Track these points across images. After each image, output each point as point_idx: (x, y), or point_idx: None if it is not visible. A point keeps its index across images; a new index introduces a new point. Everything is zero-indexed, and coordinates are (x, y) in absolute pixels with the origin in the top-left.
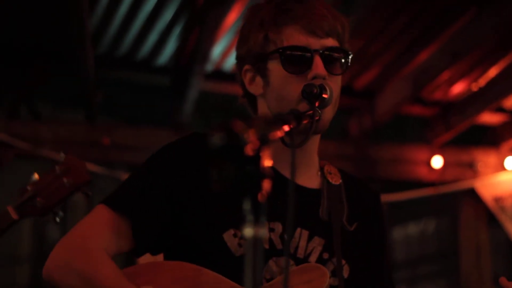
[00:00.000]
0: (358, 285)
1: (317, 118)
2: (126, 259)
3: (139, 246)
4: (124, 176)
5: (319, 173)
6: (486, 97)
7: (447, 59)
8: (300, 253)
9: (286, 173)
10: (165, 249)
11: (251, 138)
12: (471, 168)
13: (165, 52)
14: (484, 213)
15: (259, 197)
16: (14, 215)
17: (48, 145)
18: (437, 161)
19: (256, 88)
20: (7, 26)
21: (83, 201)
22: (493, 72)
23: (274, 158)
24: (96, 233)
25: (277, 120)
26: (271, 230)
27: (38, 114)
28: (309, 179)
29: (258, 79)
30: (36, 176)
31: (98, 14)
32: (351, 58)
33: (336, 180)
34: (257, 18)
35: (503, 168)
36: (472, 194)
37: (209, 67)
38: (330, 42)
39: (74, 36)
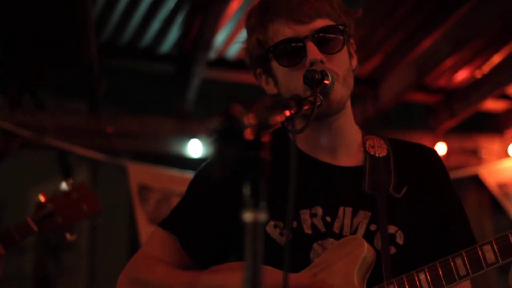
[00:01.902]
0: (417, 249)
1: (318, 103)
2: None
3: (194, 259)
4: (128, 164)
5: (362, 148)
6: (490, 84)
7: (450, 46)
8: (346, 231)
9: (322, 157)
10: (225, 259)
11: (250, 123)
12: (475, 155)
13: (168, 40)
14: (488, 199)
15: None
16: (34, 227)
17: (52, 134)
18: (441, 148)
19: (271, 88)
20: (11, 16)
21: None
22: (496, 59)
23: (307, 143)
24: (151, 250)
25: (278, 105)
26: (313, 215)
27: (41, 103)
28: (350, 157)
29: (270, 80)
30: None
31: (101, 2)
32: (348, 28)
33: (380, 152)
34: (248, 24)
35: (507, 155)
36: (476, 181)
37: (212, 55)
38: (320, 23)
39: (77, 25)
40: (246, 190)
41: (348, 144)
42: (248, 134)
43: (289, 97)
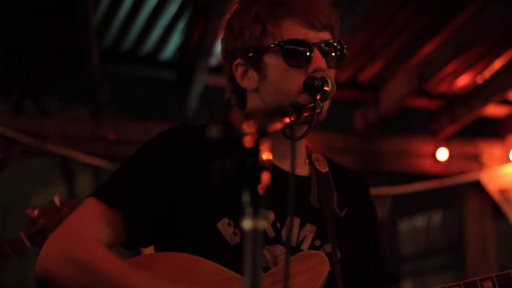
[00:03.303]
0: (349, 271)
1: (318, 110)
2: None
3: (130, 239)
4: None
5: (307, 160)
6: (491, 89)
7: (451, 52)
8: (293, 241)
9: (276, 161)
10: (157, 241)
11: (249, 130)
12: (476, 160)
13: (169, 46)
14: (490, 205)
15: (259, 189)
16: (27, 243)
17: (54, 141)
18: (442, 154)
19: (249, 82)
20: (13, 21)
21: None
22: (498, 64)
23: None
24: (88, 223)
25: (277, 112)
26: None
27: (43, 109)
28: (299, 166)
29: (252, 73)
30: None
31: (103, 9)
32: (346, 52)
33: (323, 167)
34: (251, 11)
35: (508, 160)
36: (478, 186)
37: (213, 61)
38: (327, 35)
39: (79, 31)
40: (245, 198)
41: (300, 153)
42: (247, 142)
43: (289, 104)
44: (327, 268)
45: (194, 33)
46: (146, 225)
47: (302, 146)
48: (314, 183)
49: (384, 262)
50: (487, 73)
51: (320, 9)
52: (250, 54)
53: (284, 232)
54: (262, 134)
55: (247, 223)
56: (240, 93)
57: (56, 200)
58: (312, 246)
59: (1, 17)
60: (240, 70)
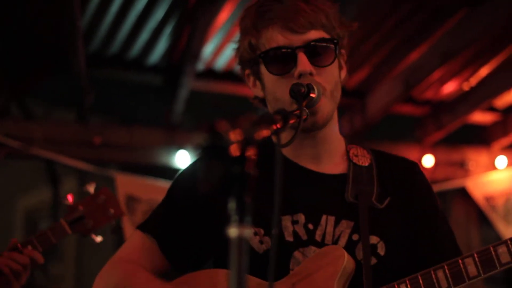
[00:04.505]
0: (398, 260)
1: (304, 117)
2: None
3: (172, 262)
4: (116, 174)
5: (345, 157)
6: (477, 96)
7: (438, 59)
8: (328, 240)
9: (306, 164)
10: (202, 264)
11: (236, 138)
12: (462, 167)
13: (156, 51)
14: (475, 212)
15: (245, 197)
16: (68, 230)
17: (40, 144)
18: (428, 160)
19: (257, 91)
20: None
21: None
22: (484, 71)
23: (292, 149)
24: (130, 252)
25: (264, 120)
26: (295, 222)
27: (29, 113)
28: (333, 165)
29: (257, 83)
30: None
31: (90, 13)
32: (340, 45)
33: (364, 161)
34: (242, 25)
35: (494, 167)
36: (463, 193)
37: (200, 66)
38: (314, 34)
39: (65, 35)
40: (231, 206)
41: (332, 152)
42: (234, 150)
43: (275, 111)
44: (343, 261)
45: (181, 38)
46: (181, 249)
47: (336, 144)
48: (350, 179)
49: (444, 241)
50: (473, 80)
51: (301, 10)
52: (250, 66)
53: (318, 233)
54: (248, 142)
55: (232, 231)
56: (261, 100)
57: (91, 188)
58: (349, 241)
59: None
60: (251, 79)
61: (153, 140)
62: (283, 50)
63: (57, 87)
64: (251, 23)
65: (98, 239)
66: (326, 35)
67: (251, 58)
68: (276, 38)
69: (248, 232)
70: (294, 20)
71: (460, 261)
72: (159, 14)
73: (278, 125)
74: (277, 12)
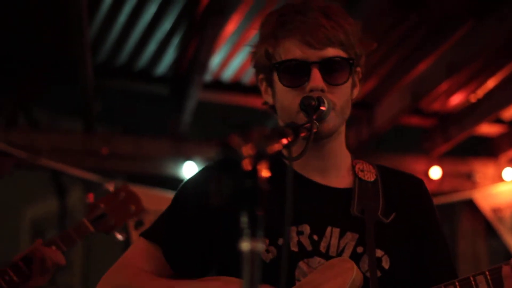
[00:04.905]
0: (401, 275)
1: (315, 130)
2: None
3: (176, 271)
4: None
5: (351, 172)
6: (484, 108)
7: (445, 70)
8: (333, 251)
9: (312, 176)
10: (205, 273)
11: (248, 153)
12: (469, 179)
13: (164, 61)
14: (482, 223)
15: (257, 210)
16: (91, 228)
17: (46, 155)
18: (435, 172)
19: (268, 97)
20: (6, 34)
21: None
22: (491, 83)
23: (300, 163)
24: (134, 258)
25: (275, 134)
26: (300, 233)
27: (36, 123)
28: (339, 179)
29: (269, 89)
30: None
31: (97, 23)
32: (356, 64)
33: (369, 176)
34: (262, 31)
35: (501, 179)
36: (471, 205)
37: (208, 77)
38: (330, 52)
39: (73, 45)
40: (244, 219)
41: (338, 166)
42: (246, 165)
43: (285, 124)
44: (353, 273)
45: (188, 49)
46: (186, 257)
47: (342, 158)
48: (356, 193)
49: (444, 261)
50: (481, 92)
51: (321, 26)
52: (263, 72)
53: (323, 244)
54: (260, 156)
55: (245, 245)
56: (271, 106)
57: (111, 187)
58: (354, 253)
59: None
60: (263, 85)
61: (160, 150)
62: (298, 63)
63: (63, 97)
64: (270, 31)
65: (121, 236)
66: (343, 53)
67: (266, 65)
68: (293, 50)
69: (261, 246)
70: (313, 35)
71: (471, 278)
72: (166, 25)
73: (289, 139)
74: (297, 24)
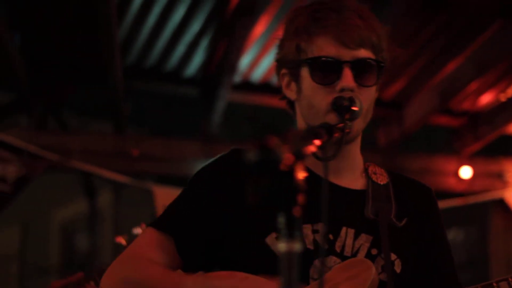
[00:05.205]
0: (411, 279)
1: (347, 130)
2: None
3: (187, 263)
4: (152, 186)
5: (364, 174)
6: None
7: (474, 70)
8: (348, 251)
9: (331, 178)
10: (215, 266)
11: (285, 154)
12: (500, 178)
13: (193, 63)
14: None
15: (294, 211)
16: None
17: (77, 157)
18: (466, 172)
19: (291, 93)
20: (35, 38)
21: (110, 211)
22: None
23: (314, 161)
24: (144, 251)
25: (310, 134)
26: (315, 231)
27: (65, 125)
28: (353, 180)
29: (293, 85)
30: None
31: (127, 26)
32: (384, 69)
33: (382, 179)
34: (292, 25)
35: None
36: (501, 204)
37: (237, 78)
38: (363, 53)
39: (103, 47)
40: (281, 220)
41: (354, 167)
42: (284, 165)
43: (319, 124)
44: (372, 274)
45: (217, 50)
46: (198, 249)
47: (357, 160)
48: (370, 195)
49: (449, 271)
50: (510, 91)
51: (355, 26)
52: (290, 66)
53: (338, 244)
54: (298, 156)
55: (282, 246)
56: (289, 102)
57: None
58: (368, 255)
59: (24, 33)
60: (285, 79)
61: (189, 152)
62: (331, 61)
63: (93, 99)
64: (303, 26)
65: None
66: (373, 56)
67: (295, 60)
68: (326, 47)
69: (298, 246)
70: (348, 34)
71: (495, 284)
72: (195, 26)
73: (323, 139)
74: (333, 22)
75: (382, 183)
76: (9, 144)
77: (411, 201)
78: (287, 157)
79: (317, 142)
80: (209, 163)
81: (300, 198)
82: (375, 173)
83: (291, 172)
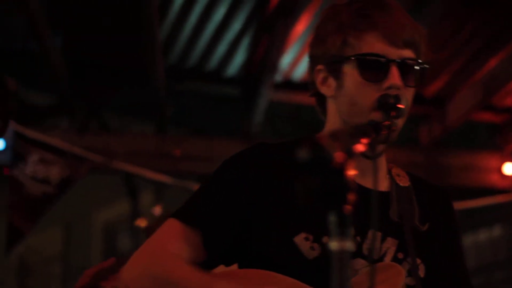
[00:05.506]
0: (434, 284)
1: (394, 128)
2: None
3: (211, 258)
4: (195, 186)
5: (388, 175)
6: None
7: None
8: (375, 254)
9: (356, 178)
10: (238, 260)
11: (337, 151)
12: None
13: (234, 62)
14: None
15: (345, 209)
16: None
17: (120, 157)
18: (509, 168)
19: (328, 89)
20: (76, 39)
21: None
22: None
23: None
24: (168, 242)
25: (358, 132)
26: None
27: (107, 126)
28: (378, 181)
29: (331, 81)
30: None
31: (168, 26)
32: (426, 71)
33: (404, 182)
34: (336, 20)
35: None
36: None
37: (278, 77)
38: (408, 53)
39: (144, 48)
40: (332, 218)
41: (380, 168)
42: (335, 163)
43: (367, 122)
44: (403, 279)
45: (258, 49)
46: (225, 243)
47: (381, 161)
48: (394, 197)
49: (464, 276)
50: None
51: (404, 25)
52: (331, 62)
53: (365, 246)
54: (349, 154)
55: (334, 244)
56: (321, 98)
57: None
58: (395, 259)
59: (65, 35)
60: (320, 76)
61: (232, 151)
62: (380, 58)
63: (134, 100)
64: (349, 22)
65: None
66: (415, 57)
67: (338, 55)
68: (376, 44)
69: (350, 245)
70: (397, 33)
71: None
72: (236, 26)
73: (371, 137)
74: (381, 19)
75: (405, 185)
76: (52, 146)
77: (431, 204)
78: (338, 155)
79: (365, 140)
80: (235, 156)
81: (351, 196)
82: (398, 175)
83: (342, 170)
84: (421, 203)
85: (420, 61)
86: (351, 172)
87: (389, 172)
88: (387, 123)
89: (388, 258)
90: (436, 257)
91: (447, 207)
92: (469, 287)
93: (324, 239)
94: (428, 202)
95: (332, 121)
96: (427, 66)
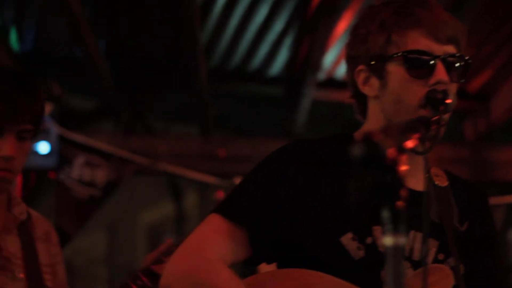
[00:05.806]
0: (473, 284)
1: (443, 123)
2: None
3: (256, 255)
4: None
5: (426, 175)
6: None
7: None
8: (416, 256)
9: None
10: (280, 258)
11: (390, 148)
12: None
13: (277, 62)
14: None
15: (398, 205)
16: None
17: (165, 159)
18: None
19: (370, 89)
20: (120, 43)
21: (196, 213)
22: None
23: None
24: (213, 242)
25: (408, 128)
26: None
27: (151, 129)
28: (416, 181)
29: (374, 80)
30: None
31: (210, 28)
32: (469, 66)
33: (443, 182)
34: (377, 19)
35: None
36: None
37: (321, 76)
38: (451, 49)
39: (186, 50)
40: (385, 214)
41: (419, 168)
42: (388, 160)
43: (416, 118)
44: (451, 282)
45: (301, 49)
46: (270, 240)
47: (420, 160)
48: (433, 198)
49: (504, 276)
50: None
51: (446, 21)
52: (373, 62)
53: (407, 247)
54: (401, 151)
55: (388, 240)
56: (361, 99)
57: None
58: (436, 260)
59: (109, 38)
60: (362, 76)
61: None
62: (427, 55)
63: (178, 102)
64: (393, 21)
65: None
66: (458, 52)
67: (382, 54)
68: (421, 41)
69: (403, 240)
70: (440, 29)
71: None
72: (278, 26)
73: (421, 133)
74: (423, 16)
75: (443, 185)
76: (98, 149)
77: (469, 204)
78: (391, 151)
79: (416, 136)
80: (275, 151)
81: (403, 192)
82: (437, 175)
83: (394, 166)
84: (459, 203)
85: (464, 56)
86: (404, 168)
87: (428, 171)
88: (436, 118)
89: (429, 259)
90: (474, 257)
91: (484, 206)
92: (507, 287)
93: (368, 240)
94: (466, 201)
95: (374, 120)
96: (470, 61)
